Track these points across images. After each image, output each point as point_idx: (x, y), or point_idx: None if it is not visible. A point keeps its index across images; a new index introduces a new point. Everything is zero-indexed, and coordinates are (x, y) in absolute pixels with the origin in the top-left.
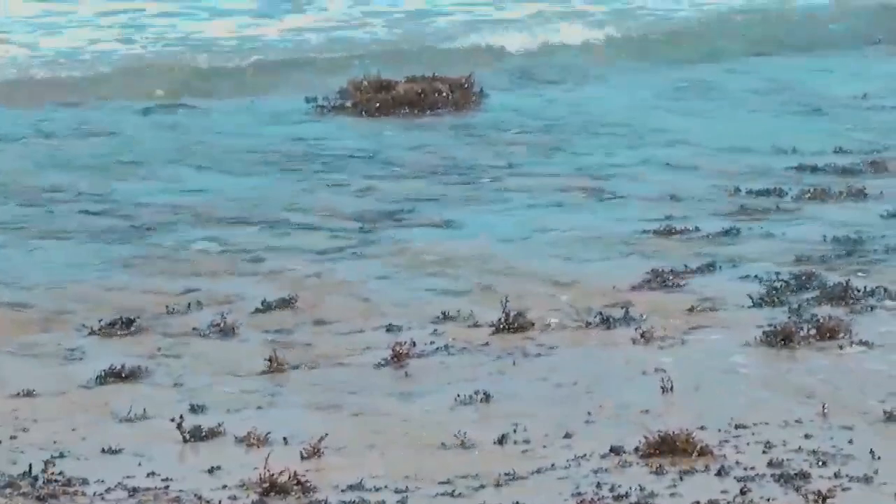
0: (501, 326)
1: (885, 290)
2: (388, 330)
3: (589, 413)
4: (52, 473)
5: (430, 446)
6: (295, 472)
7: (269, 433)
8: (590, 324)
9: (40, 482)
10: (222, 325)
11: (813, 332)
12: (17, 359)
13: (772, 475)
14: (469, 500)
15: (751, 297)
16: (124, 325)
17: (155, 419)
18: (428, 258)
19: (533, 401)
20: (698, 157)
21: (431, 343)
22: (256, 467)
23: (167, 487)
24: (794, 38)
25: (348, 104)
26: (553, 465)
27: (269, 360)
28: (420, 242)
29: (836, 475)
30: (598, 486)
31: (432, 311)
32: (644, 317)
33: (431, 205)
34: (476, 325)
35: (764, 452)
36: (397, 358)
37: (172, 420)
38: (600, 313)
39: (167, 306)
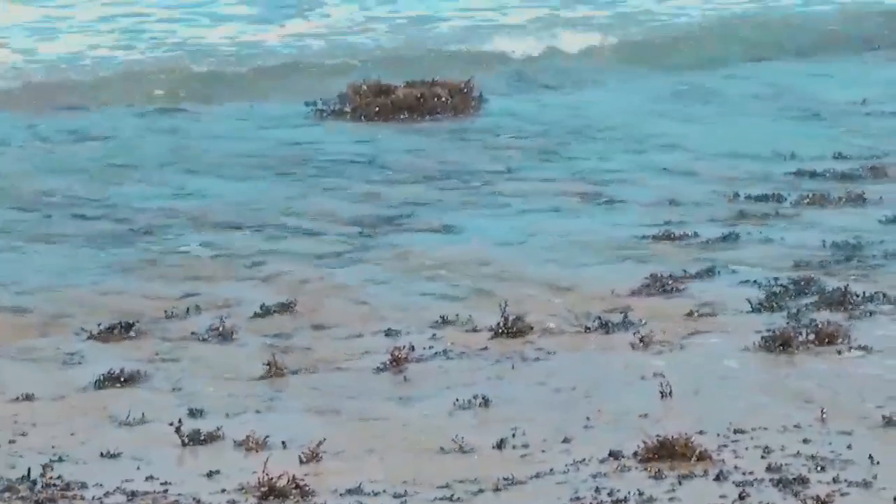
0: (500, 331)
1: (884, 295)
2: (386, 334)
3: (588, 418)
4: (51, 477)
5: (428, 451)
6: (294, 477)
7: (267, 437)
8: (589, 328)
9: (39, 486)
10: (221, 329)
11: (812, 337)
12: (16, 363)
13: (770, 480)
14: None
15: (750, 302)
16: (123, 329)
17: (154, 423)
18: (427, 263)
19: (532, 405)
20: (697, 162)
21: (430, 347)
22: (255, 471)
23: (166, 491)
24: (794, 43)
25: (347, 109)
26: (552, 469)
27: (268, 364)
28: (419, 247)
29: (835, 480)
30: (597, 490)
31: (431, 315)
32: (643, 321)
33: (430, 209)
34: (475, 330)
35: (763, 457)
36: (396, 362)
37: (171, 424)
38: (599, 318)
39: (166, 310)
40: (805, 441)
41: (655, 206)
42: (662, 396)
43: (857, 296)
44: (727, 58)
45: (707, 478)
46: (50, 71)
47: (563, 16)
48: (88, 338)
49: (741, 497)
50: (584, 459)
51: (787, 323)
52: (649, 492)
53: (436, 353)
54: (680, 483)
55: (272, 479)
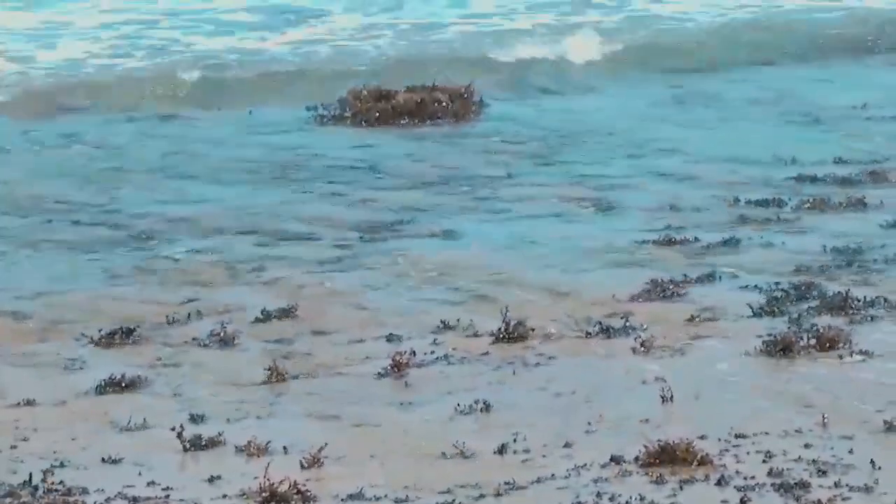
0: (501, 336)
1: (885, 299)
2: (387, 340)
3: (589, 422)
4: (52, 483)
5: (429, 456)
6: (295, 482)
7: (269, 442)
8: (589, 333)
9: (40, 492)
10: (222, 334)
11: (813, 341)
12: (17, 369)
13: (772, 485)
14: None
15: (751, 307)
16: (124, 334)
17: (155, 429)
18: (427, 268)
19: (533, 410)
20: (698, 167)
21: (431, 353)
22: (256, 477)
23: (167, 497)
24: (795, 48)
25: (348, 114)
26: (553, 474)
27: (269, 369)
28: (419, 252)
29: (837, 485)
30: (598, 495)
31: (432, 320)
32: (644, 326)
33: (430, 214)
34: (476, 335)
35: (764, 462)
36: (397, 367)
37: (172, 429)
38: (600, 323)
39: (167, 316)
40: (806, 446)
41: (656, 210)
42: (663, 401)
43: (858, 300)
44: (728, 62)
45: (708, 483)
46: (49, 77)
47: (572, 21)
48: (89, 343)
49: (742, 502)
50: (585, 464)
51: (788, 328)
52: (651, 497)
53: (437, 358)
54: (681, 488)
55: (273, 484)
